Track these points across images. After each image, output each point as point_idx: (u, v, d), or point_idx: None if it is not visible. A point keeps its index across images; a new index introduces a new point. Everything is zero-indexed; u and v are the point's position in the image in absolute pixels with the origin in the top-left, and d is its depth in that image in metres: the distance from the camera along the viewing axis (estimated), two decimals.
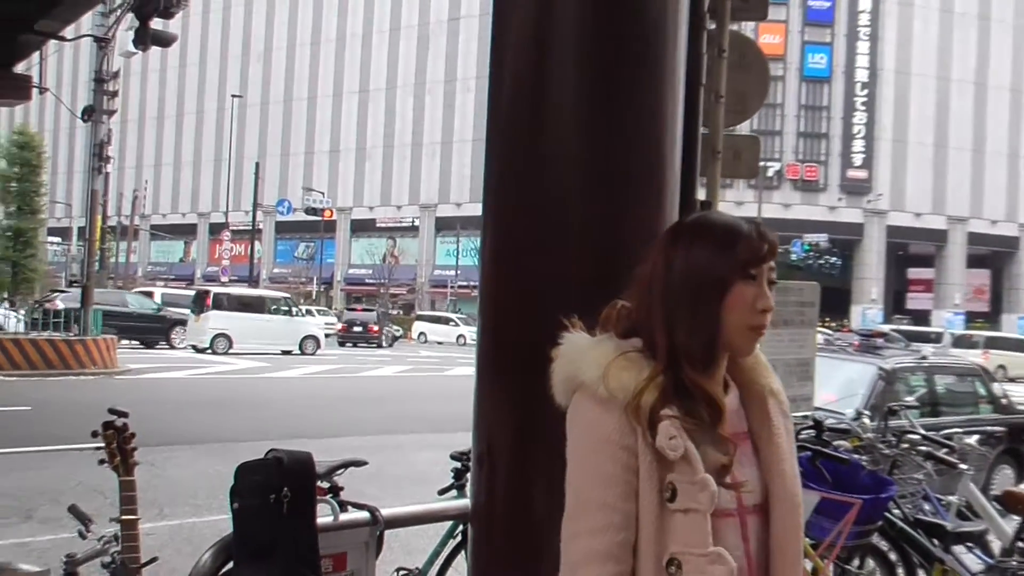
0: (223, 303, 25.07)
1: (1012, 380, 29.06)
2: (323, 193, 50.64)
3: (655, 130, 2.18)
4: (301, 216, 49.21)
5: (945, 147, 49.62)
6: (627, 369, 1.33)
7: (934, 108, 49.64)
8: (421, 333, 41.09)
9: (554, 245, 2.11)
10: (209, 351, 24.23)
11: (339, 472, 2.91)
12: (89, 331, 17.43)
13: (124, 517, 2.17)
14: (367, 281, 54.63)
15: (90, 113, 18.57)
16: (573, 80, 2.13)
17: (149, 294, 29.16)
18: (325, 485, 2.81)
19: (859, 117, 48.91)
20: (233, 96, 51.05)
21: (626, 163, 2.15)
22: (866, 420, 4.53)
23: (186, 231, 63.26)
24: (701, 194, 3.21)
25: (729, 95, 3.26)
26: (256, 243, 43.72)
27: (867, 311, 46.89)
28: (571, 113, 2.14)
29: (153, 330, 25.73)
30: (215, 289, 26.87)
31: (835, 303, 48.90)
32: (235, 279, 39.99)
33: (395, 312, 50.97)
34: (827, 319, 46.70)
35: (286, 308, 26.56)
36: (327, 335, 29.64)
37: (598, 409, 1.32)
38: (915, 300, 50.82)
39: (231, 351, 24.43)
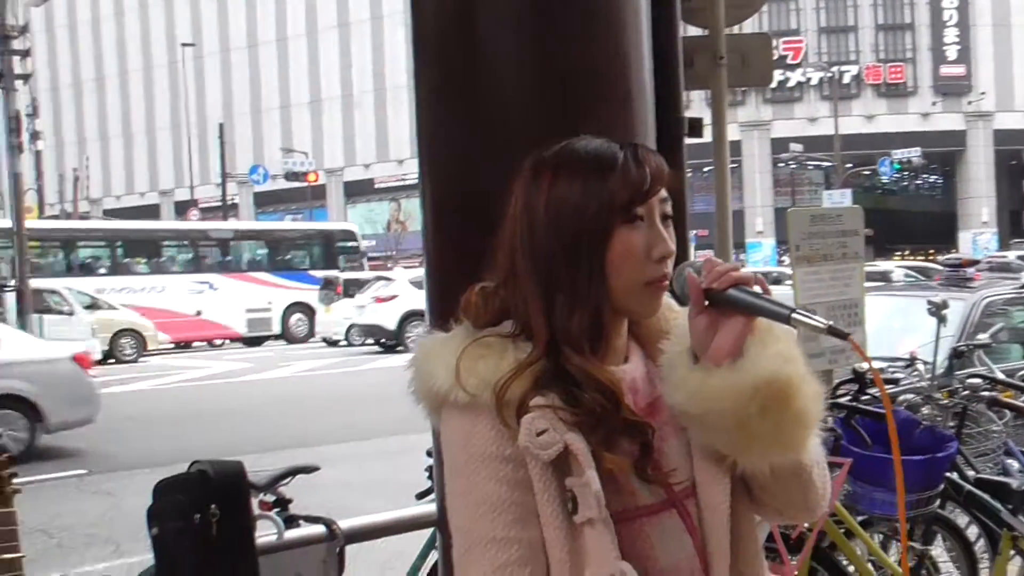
0: (353, 290, 25.72)
1: None
2: (306, 154, 50.69)
3: (614, 32, 2.18)
4: (283, 183, 49.38)
5: None
6: (483, 357, 1.27)
7: None
8: None
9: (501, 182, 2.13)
10: (344, 343, 24.94)
11: (285, 481, 2.95)
12: None
13: (3, 556, 2.22)
14: (371, 254, 54.76)
15: None
16: None
17: None
18: (270, 499, 2.86)
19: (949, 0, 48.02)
20: (184, 45, 51.08)
21: (575, 77, 2.16)
22: (920, 366, 4.51)
23: (147, 214, 63.89)
24: (703, 112, 3.19)
25: None
26: (232, 220, 43.94)
27: (978, 237, 46.35)
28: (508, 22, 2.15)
29: None
30: (344, 275, 27.19)
31: (939, 230, 48.47)
32: None
33: None
34: (931, 250, 46.44)
35: None
36: None
37: (464, 419, 1.26)
38: None
39: (367, 342, 24.81)
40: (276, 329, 27.80)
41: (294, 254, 30.08)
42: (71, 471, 9.58)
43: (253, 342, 27.35)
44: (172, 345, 25.96)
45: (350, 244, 31.11)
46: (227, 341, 27.62)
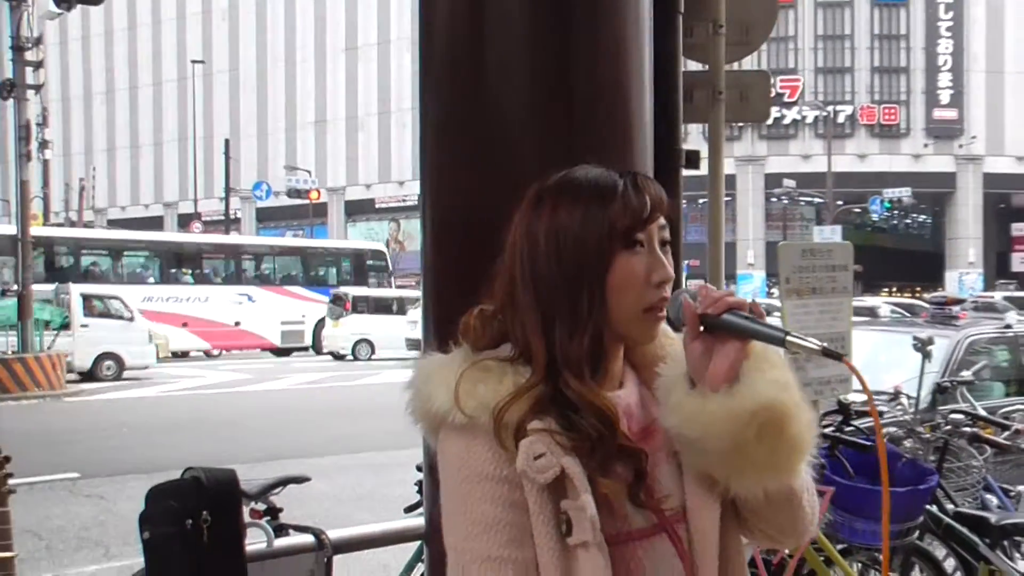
0: (362, 306, 26.58)
1: None
2: (309, 172, 50.76)
3: (616, 66, 2.20)
4: (286, 200, 49.41)
5: None
6: (482, 380, 1.27)
7: None
8: None
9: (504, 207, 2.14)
10: (350, 358, 25.88)
11: (276, 491, 2.95)
12: (30, 347, 17.61)
13: None
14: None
15: (10, 88, 18.25)
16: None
17: None
18: (261, 507, 2.85)
19: (944, 46, 48.28)
20: (194, 62, 51.24)
21: (587, 113, 2.18)
22: (904, 400, 4.53)
23: (151, 225, 63.78)
24: (700, 145, 3.21)
25: (730, 25, 3.26)
26: (234, 235, 43.98)
27: (964, 277, 46.45)
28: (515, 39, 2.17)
29: None
30: (353, 291, 27.96)
31: (926, 268, 48.50)
32: None
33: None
34: (918, 288, 46.49)
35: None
36: None
37: (462, 440, 1.26)
38: (1022, 261, 50.25)
39: (373, 357, 25.71)
40: (308, 341, 28.59)
41: (327, 270, 31.15)
42: (63, 474, 9.52)
43: (283, 352, 28.12)
44: (170, 353, 26.09)
45: (379, 263, 32.26)
46: (222, 352, 27.89)
